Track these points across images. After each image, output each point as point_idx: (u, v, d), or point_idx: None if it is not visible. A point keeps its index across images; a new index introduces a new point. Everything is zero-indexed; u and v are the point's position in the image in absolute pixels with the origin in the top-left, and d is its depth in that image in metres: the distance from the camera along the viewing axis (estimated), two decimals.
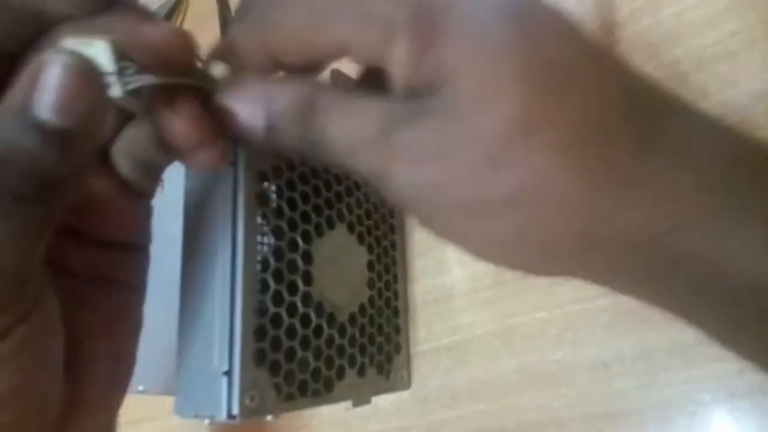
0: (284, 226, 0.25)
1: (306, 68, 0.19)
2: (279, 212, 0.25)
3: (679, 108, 0.17)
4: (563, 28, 0.16)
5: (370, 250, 0.31)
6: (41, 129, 0.15)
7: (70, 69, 0.15)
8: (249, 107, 0.18)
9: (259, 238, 0.24)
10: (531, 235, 0.16)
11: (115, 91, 0.16)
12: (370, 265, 0.30)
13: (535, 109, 0.15)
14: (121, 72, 0.16)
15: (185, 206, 0.26)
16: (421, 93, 0.16)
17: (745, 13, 0.26)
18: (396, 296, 0.32)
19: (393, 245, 0.33)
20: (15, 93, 0.15)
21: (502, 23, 0.15)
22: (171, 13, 0.28)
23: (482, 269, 0.32)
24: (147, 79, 0.17)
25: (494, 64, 0.15)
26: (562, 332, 0.29)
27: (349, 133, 0.17)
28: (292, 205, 0.26)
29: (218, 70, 0.19)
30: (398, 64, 0.16)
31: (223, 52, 0.20)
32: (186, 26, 0.35)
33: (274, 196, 0.25)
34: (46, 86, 0.15)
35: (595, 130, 0.15)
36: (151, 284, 0.40)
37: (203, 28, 0.44)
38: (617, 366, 0.27)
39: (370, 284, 0.30)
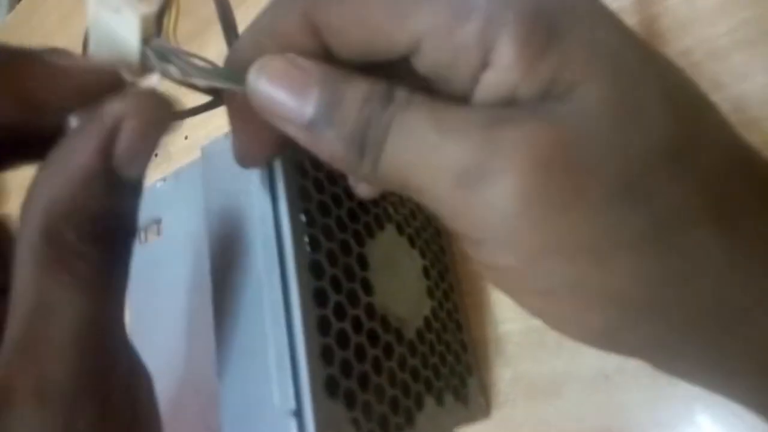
0: (333, 225, 0.21)
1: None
2: (324, 210, 0.21)
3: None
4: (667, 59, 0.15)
5: (422, 254, 0.26)
6: (121, 184, 0.14)
7: (149, 118, 0.14)
8: (290, 95, 0.14)
9: (305, 241, 0.20)
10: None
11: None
12: (426, 272, 0.26)
13: (683, 131, 0.13)
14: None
15: (207, 220, 0.22)
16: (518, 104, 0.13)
17: (759, 1, 0.24)
18: (456, 308, 0.27)
19: (442, 250, 0.28)
20: (81, 153, 0.13)
21: (631, 38, 0.13)
22: (161, 13, 0.24)
23: (471, 271, 0.29)
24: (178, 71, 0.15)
25: (633, 77, 0.13)
26: (560, 340, 0.26)
27: (444, 146, 0.13)
28: (337, 201, 0.22)
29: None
30: (503, 68, 0.13)
31: (256, 32, 0.16)
32: (181, 28, 0.31)
33: (314, 191, 0.21)
34: (130, 141, 0.14)
35: (734, 169, 0.13)
36: (152, 335, 0.34)
37: (201, 29, 0.40)
38: (619, 378, 0.25)
39: (430, 293, 0.25)
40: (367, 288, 0.21)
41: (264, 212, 0.19)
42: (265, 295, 0.18)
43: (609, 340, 0.14)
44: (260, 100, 0.15)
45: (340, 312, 0.19)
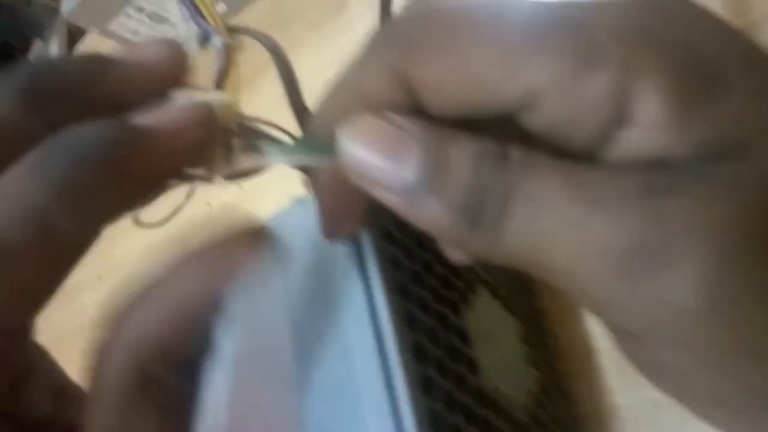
0: (428, 297, 0.18)
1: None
2: (417, 280, 0.18)
3: None
4: None
5: (519, 317, 0.23)
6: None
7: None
8: (386, 157, 0.12)
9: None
10: None
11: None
12: (525, 338, 0.23)
13: None
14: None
15: (283, 302, 0.19)
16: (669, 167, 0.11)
17: None
18: (560, 377, 0.24)
19: (537, 311, 0.25)
20: (184, 292, 0.13)
21: None
22: (223, 74, 0.23)
23: (572, 335, 0.25)
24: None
25: None
26: (680, 418, 0.21)
27: (593, 221, 0.11)
28: (429, 268, 0.19)
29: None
30: (648, 124, 0.11)
31: (339, 93, 0.14)
32: (231, 75, 0.30)
33: (405, 260, 0.18)
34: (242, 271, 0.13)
35: None
36: None
37: (252, 75, 0.40)
38: None
39: (533, 363, 0.22)
40: (473, 367, 0.18)
41: (354, 291, 0.17)
42: (364, 388, 0.16)
43: None
44: (352, 165, 0.13)
45: (450, 402, 0.16)
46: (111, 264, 0.57)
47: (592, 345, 0.25)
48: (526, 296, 0.25)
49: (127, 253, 0.55)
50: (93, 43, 0.67)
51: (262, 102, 0.47)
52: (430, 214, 0.12)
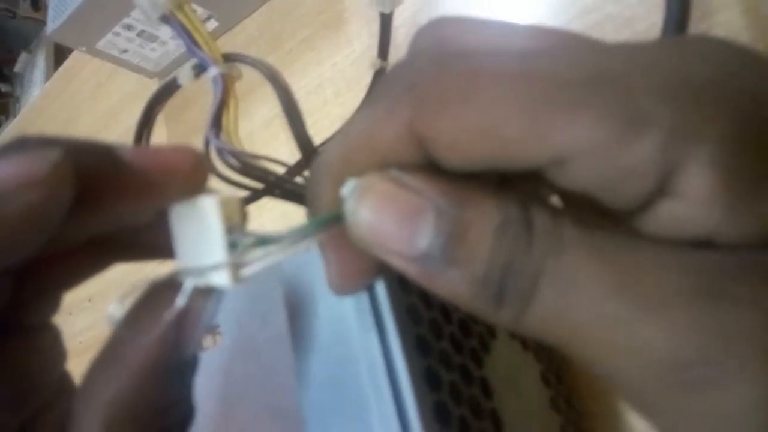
0: (449, 349, 0.17)
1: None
2: (436, 331, 0.17)
3: None
4: None
5: (537, 356, 0.22)
6: (183, 364, 0.13)
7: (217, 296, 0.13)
8: (397, 224, 0.11)
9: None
10: None
11: (225, 280, 0.12)
12: (545, 379, 0.22)
13: None
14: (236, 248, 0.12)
15: (295, 356, 0.18)
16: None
17: None
18: (580, 416, 0.23)
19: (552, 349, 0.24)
20: (141, 347, 0.12)
21: None
22: (218, 115, 0.22)
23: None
24: (272, 257, 0.12)
25: None
26: None
27: (639, 325, 0.10)
28: (447, 315, 0.18)
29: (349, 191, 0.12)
30: (695, 200, 0.10)
31: (345, 145, 0.13)
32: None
33: (424, 309, 0.17)
34: (199, 325, 0.13)
35: None
36: None
37: (241, 97, 0.38)
38: None
39: (554, 406, 0.21)
40: (497, 424, 0.17)
41: (370, 346, 0.16)
42: None
43: None
44: (360, 230, 0.12)
45: None
46: (100, 286, 0.55)
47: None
48: None
49: (116, 276, 0.53)
50: (80, 59, 0.65)
51: (254, 126, 0.45)
52: (449, 286, 0.11)
